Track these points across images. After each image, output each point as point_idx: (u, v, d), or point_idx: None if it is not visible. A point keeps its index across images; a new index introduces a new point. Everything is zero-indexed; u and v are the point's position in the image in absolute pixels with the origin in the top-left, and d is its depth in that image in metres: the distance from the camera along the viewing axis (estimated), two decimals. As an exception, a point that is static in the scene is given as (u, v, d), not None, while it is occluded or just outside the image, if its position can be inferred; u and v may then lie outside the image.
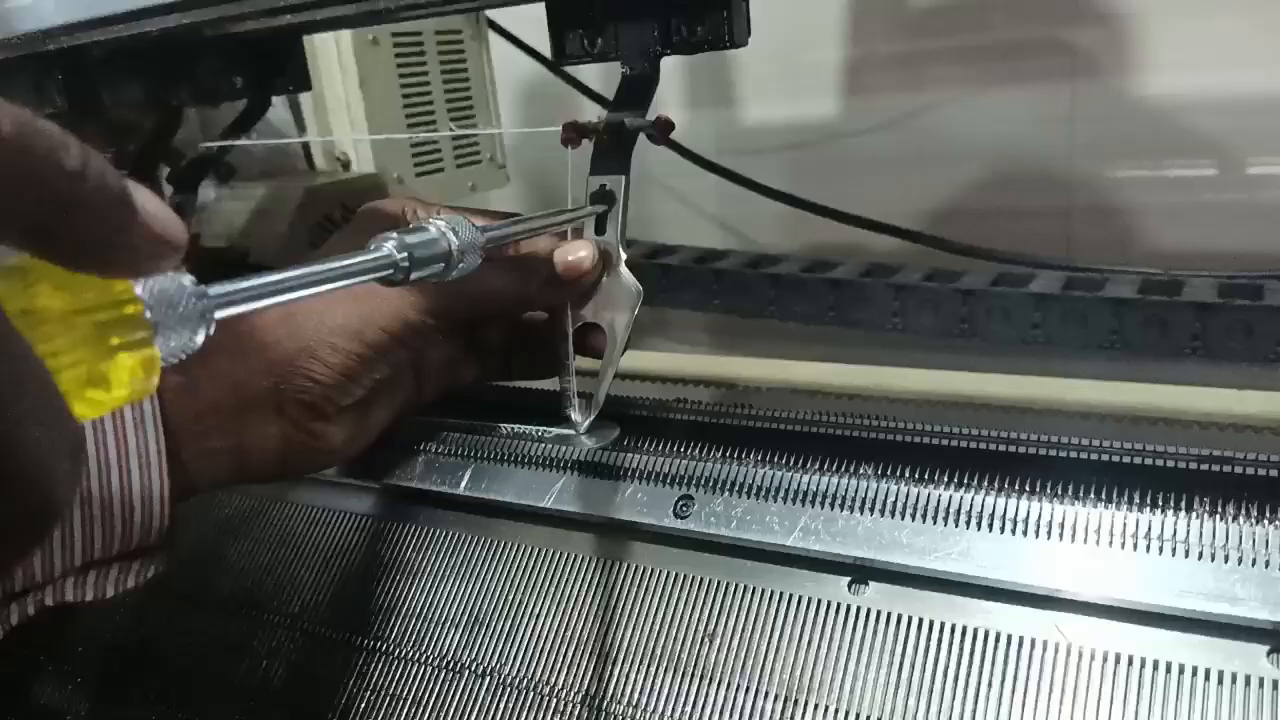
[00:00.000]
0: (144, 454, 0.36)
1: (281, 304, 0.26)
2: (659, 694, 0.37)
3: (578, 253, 0.45)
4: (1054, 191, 0.94)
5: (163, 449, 0.36)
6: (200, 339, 0.22)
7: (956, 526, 0.36)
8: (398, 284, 0.31)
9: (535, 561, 0.43)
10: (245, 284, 0.25)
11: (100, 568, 0.37)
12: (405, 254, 0.31)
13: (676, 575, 0.40)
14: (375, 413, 0.44)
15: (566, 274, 0.45)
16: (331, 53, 0.80)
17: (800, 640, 0.37)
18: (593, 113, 0.48)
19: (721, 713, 0.36)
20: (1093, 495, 0.36)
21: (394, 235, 0.31)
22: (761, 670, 0.37)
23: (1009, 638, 0.34)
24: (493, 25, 0.88)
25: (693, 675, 0.37)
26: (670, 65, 0.46)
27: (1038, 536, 0.35)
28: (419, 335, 0.42)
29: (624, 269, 0.46)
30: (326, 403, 0.41)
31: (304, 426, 0.41)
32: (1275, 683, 0.31)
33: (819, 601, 0.37)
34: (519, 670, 0.40)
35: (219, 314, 0.23)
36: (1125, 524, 0.34)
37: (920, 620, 0.36)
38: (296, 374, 0.40)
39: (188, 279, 0.22)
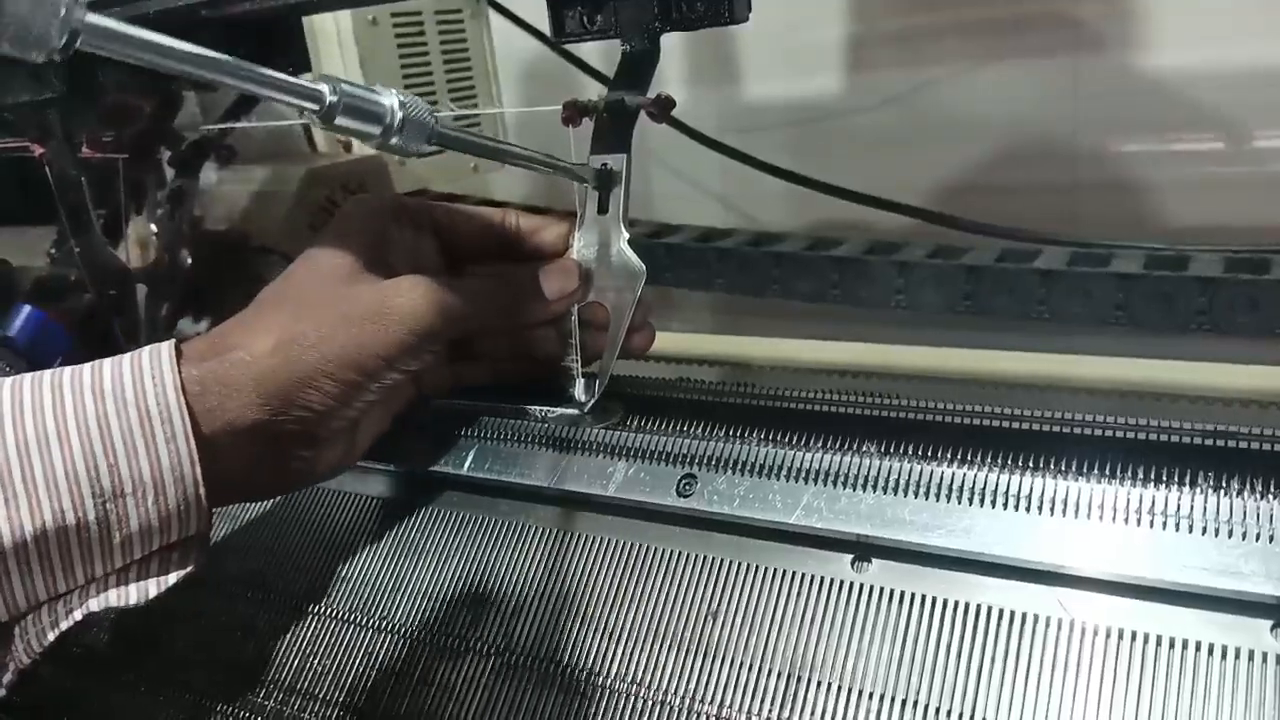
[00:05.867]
0: (178, 468, 0.35)
1: (159, 64, 0.27)
2: (663, 672, 0.38)
3: (562, 275, 0.45)
4: (1059, 167, 0.93)
5: (195, 458, 0.35)
6: (57, 41, 0.24)
7: (960, 503, 0.36)
8: (322, 120, 0.32)
9: (539, 541, 0.43)
10: (132, 32, 0.26)
11: (140, 565, 0.37)
12: (337, 96, 0.32)
13: (680, 554, 0.40)
14: (369, 426, 0.44)
15: (554, 295, 0.45)
16: (331, 33, 0.79)
17: (803, 618, 0.37)
18: (594, 91, 0.47)
19: (725, 690, 0.36)
20: (1097, 471, 0.36)
21: (338, 79, 0.32)
22: (765, 648, 0.37)
23: (1012, 614, 0.34)
24: (492, 3, 0.88)
25: (696, 653, 0.38)
26: (671, 42, 0.46)
27: (1041, 513, 0.35)
28: (415, 358, 0.41)
29: (627, 249, 0.46)
30: (321, 429, 0.40)
31: (298, 454, 0.40)
32: (1279, 657, 0.31)
33: (822, 579, 0.37)
34: (522, 649, 0.40)
35: (83, 23, 0.24)
36: (1129, 499, 0.34)
37: (923, 597, 0.36)
38: (293, 406, 0.38)
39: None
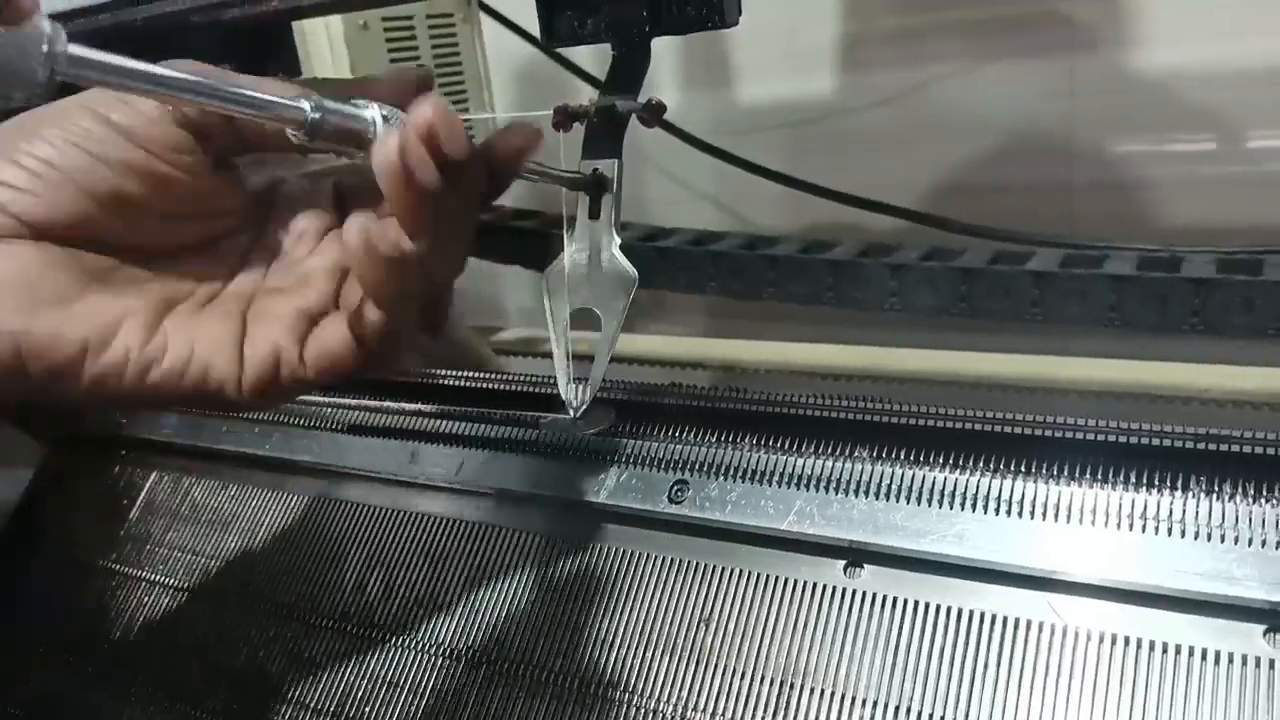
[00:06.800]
0: None
1: (143, 90, 0.25)
2: (655, 679, 0.37)
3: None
4: (1055, 167, 0.93)
5: None
6: (42, 76, 0.23)
7: (952, 509, 0.36)
8: (306, 137, 0.30)
9: (530, 548, 0.43)
10: (114, 60, 0.25)
11: None
12: (318, 115, 0.31)
13: (671, 560, 0.40)
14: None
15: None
16: (322, 38, 0.79)
17: (796, 624, 0.37)
18: (587, 95, 0.47)
19: (718, 697, 0.36)
20: (1089, 476, 0.36)
21: (320, 97, 0.31)
22: (757, 654, 0.37)
23: (1005, 619, 0.34)
24: (484, 7, 0.88)
25: (689, 660, 0.37)
26: (665, 45, 0.46)
27: (1033, 518, 0.35)
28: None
29: (619, 254, 0.46)
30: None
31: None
32: (1272, 662, 0.31)
33: (814, 585, 0.37)
34: (514, 656, 0.40)
35: (67, 56, 0.24)
36: (1121, 504, 0.34)
37: (916, 603, 0.36)
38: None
39: (48, 26, 0.23)
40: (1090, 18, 0.88)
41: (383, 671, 0.42)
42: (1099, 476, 0.36)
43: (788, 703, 0.35)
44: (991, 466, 0.37)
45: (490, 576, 0.43)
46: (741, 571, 0.39)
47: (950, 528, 0.35)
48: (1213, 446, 0.36)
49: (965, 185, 0.96)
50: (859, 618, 0.36)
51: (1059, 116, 0.91)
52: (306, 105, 0.31)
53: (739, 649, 0.37)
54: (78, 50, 0.24)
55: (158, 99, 0.28)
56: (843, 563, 0.37)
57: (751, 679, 0.36)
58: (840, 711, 0.35)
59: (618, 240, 0.46)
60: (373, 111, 0.33)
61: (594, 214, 0.46)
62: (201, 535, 0.51)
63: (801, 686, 0.36)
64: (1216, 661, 0.31)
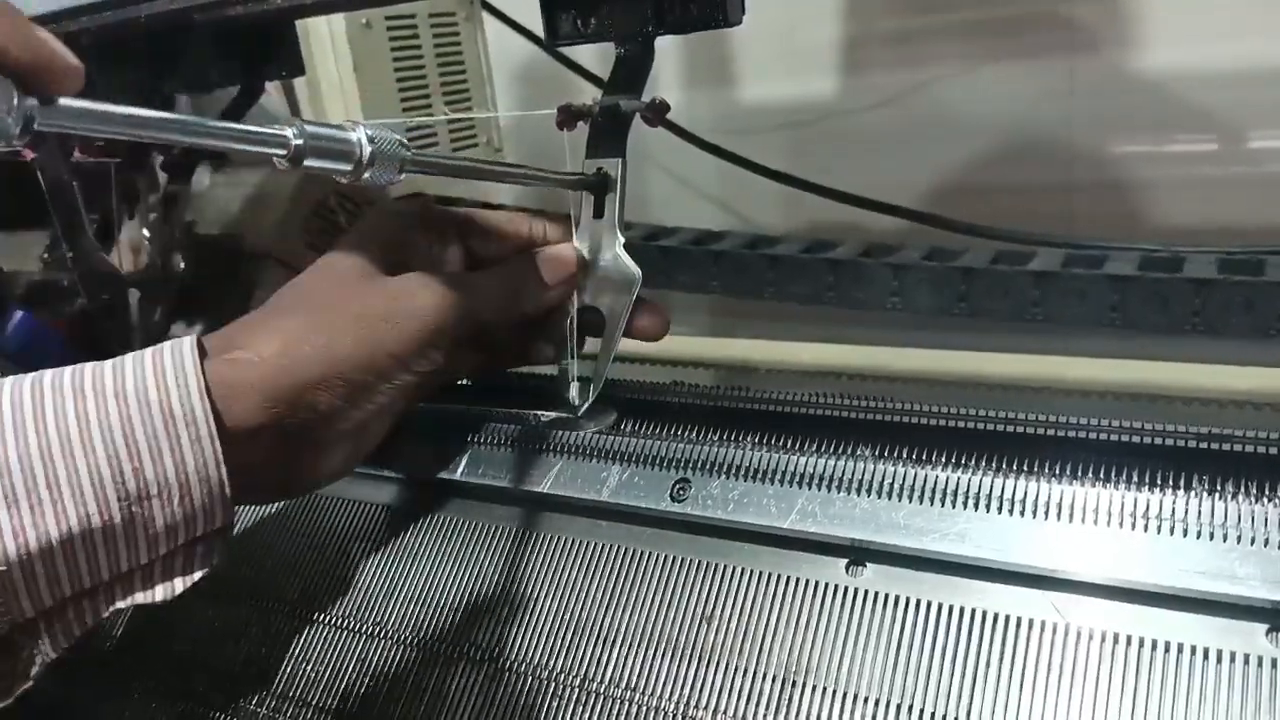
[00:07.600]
0: (203, 469, 0.35)
1: (121, 134, 0.28)
2: (657, 677, 0.37)
3: (559, 261, 0.46)
4: (1055, 167, 0.93)
5: (220, 459, 0.35)
6: (15, 129, 0.24)
7: (954, 507, 0.36)
8: (291, 164, 0.32)
9: (532, 546, 0.43)
10: (91, 106, 0.26)
11: (164, 561, 0.36)
12: (301, 140, 0.32)
13: (673, 559, 0.40)
14: (376, 428, 0.43)
15: (554, 280, 0.45)
16: (325, 37, 0.79)
17: (798, 622, 0.37)
18: (589, 93, 0.47)
19: (720, 695, 0.36)
20: (1091, 475, 0.36)
21: (303, 122, 0.32)
22: (759, 653, 0.37)
23: (1007, 618, 0.34)
24: (486, 6, 0.88)
25: (691, 658, 0.37)
26: (668, 45, 0.46)
27: (1036, 517, 0.35)
28: (426, 355, 0.41)
29: (623, 253, 0.46)
30: (327, 432, 0.39)
31: (302, 459, 0.39)
32: (1274, 661, 0.31)
33: (817, 584, 0.37)
34: (517, 655, 0.40)
35: (38, 108, 0.25)
36: (1124, 503, 0.34)
37: (918, 601, 0.36)
38: (298, 409, 0.37)
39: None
40: (1090, 18, 0.89)
41: (385, 670, 0.42)
42: (1101, 475, 0.36)
43: (790, 701, 0.35)
44: (994, 465, 0.37)
45: (491, 575, 0.43)
46: (743, 570, 0.39)
47: (952, 526, 0.35)
48: (1215, 446, 0.36)
49: (965, 185, 0.96)
50: (861, 616, 0.36)
51: (1059, 116, 0.92)
52: (290, 132, 0.31)
53: (741, 647, 0.37)
54: (47, 118, 0.24)
55: (140, 140, 0.29)
56: (845, 561, 0.37)
57: (754, 677, 0.36)
58: (842, 709, 0.35)
59: (621, 239, 0.46)
60: (359, 133, 0.33)
61: (598, 213, 0.46)
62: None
63: (804, 685, 0.36)
64: (1219, 661, 0.31)
